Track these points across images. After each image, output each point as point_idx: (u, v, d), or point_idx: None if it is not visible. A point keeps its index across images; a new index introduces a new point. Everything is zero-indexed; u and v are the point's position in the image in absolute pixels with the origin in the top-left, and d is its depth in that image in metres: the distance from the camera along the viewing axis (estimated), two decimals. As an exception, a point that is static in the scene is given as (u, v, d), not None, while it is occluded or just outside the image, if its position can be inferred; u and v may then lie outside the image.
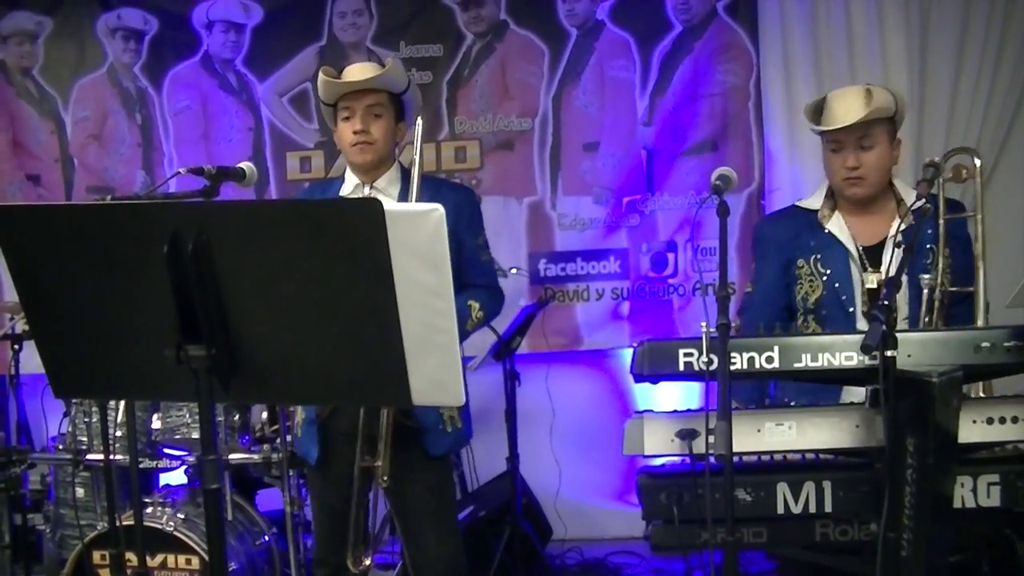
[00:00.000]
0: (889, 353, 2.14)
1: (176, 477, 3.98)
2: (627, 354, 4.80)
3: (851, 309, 2.88)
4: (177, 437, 3.70)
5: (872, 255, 2.90)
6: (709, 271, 4.75)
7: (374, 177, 3.04)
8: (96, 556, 3.50)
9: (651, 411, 2.48)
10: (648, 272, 5.11)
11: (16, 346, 3.86)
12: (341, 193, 3.06)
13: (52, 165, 5.24)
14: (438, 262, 1.72)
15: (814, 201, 3.03)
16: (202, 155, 5.13)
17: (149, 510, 3.55)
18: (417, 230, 1.71)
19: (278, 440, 3.55)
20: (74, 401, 3.78)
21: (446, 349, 1.78)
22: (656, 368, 2.39)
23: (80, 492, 3.79)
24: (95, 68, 5.21)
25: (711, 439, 2.26)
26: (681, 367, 2.37)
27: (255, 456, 3.65)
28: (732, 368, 2.31)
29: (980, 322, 2.71)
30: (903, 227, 2.68)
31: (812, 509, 2.38)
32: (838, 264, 2.91)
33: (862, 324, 2.85)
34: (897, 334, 2.17)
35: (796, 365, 2.35)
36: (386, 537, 4.01)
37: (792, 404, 2.69)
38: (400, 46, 5.10)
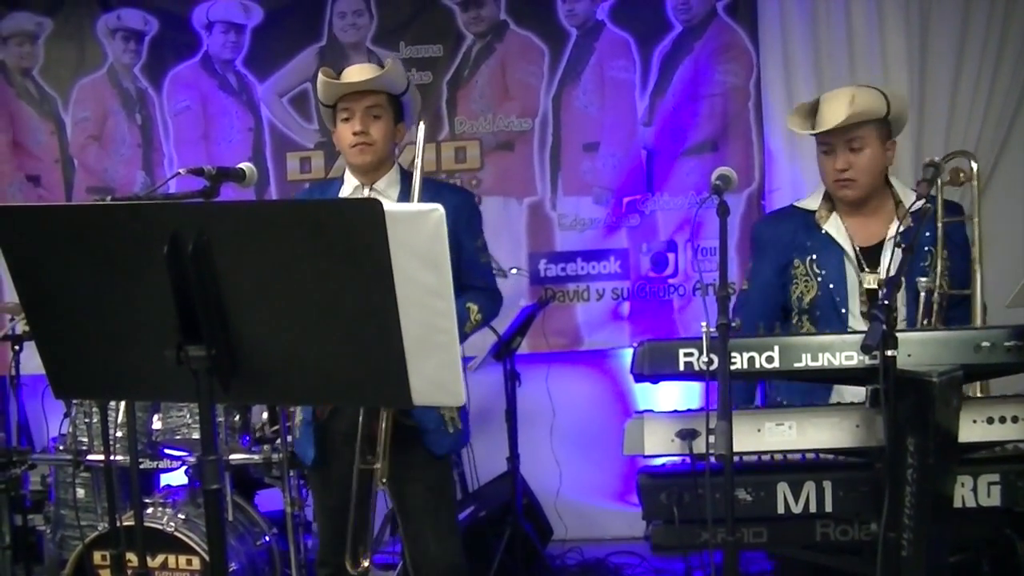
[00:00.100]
0: (889, 353, 2.14)
1: (176, 477, 3.98)
2: (627, 354, 4.80)
3: (843, 310, 2.88)
4: (177, 437, 3.70)
5: (870, 256, 2.90)
6: (709, 271, 4.75)
7: (373, 178, 3.04)
8: (97, 557, 3.50)
9: (651, 411, 2.48)
10: (648, 272, 5.11)
11: (16, 347, 3.86)
12: (340, 194, 3.06)
13: (52, 166, 5.24)
14: (438, 262, 1.72)
15: (812, 202, 3.03)
16: (202, 156, 5.14)
17: (150, 511, 3.55)
18: (417, 230, 1.71)
19: (278, 440, 3.55)
20: (74, 402, 3.78)
21: (446, 349, 1.78)
22: (656, 368, 2.39)
23: (81, 493, 3.79)
24: (95, 69, 5.21)
25: (711, 439, 2.26)
26: (681, 367, 2.37)
27: (255, 456, 3.65)
28: (732, 368, 2.31)
29: (977, 324, 2.71)
30: (902, 228, 2.68)
31: (812, 509, 2.38)
32: (834, 265, 2.91)
33: (854, 325, 2.85)
34: (897, 334, 2.17)
35: (796, 365, 2.35)
36: (386, 537, 4.02)
37: (783, 402, 2.70)
38: (400, 46, 5.10)
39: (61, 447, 3.86)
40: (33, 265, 1.86)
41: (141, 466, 3.67)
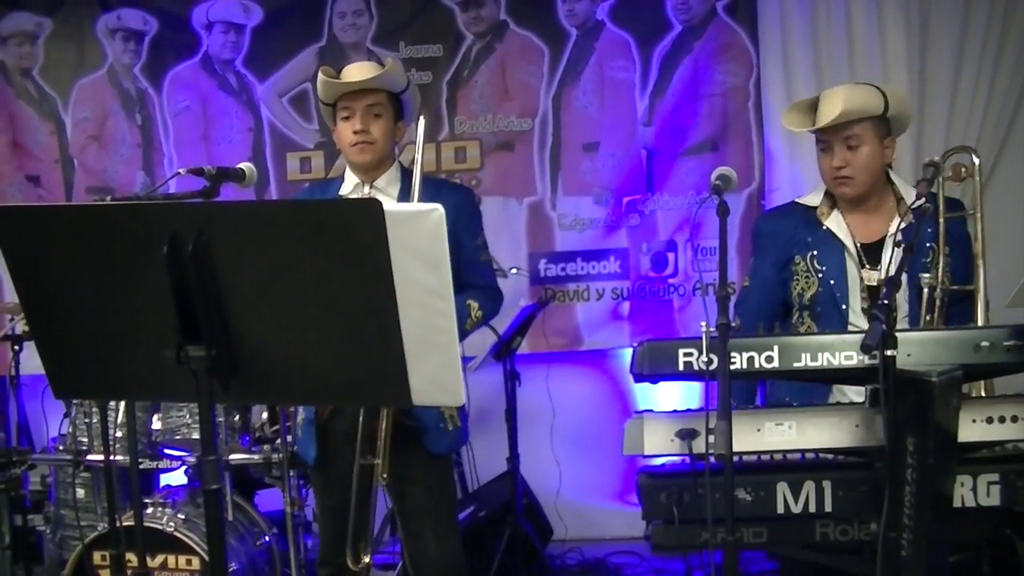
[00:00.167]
0: (889, 352, 2.14)
1: (176, 478, 3.98)
2: (627, 354, 4.80)
3: (844, 307, 2.88)
4: (177, 438, 3.70)
5: (871, 253, 2.90)
6: (709, 271, 4.75)
7: (374, 177, 3.04)
8: (96, 557, 3.50)
9: (651, 411, 2.48)
10: (648, 272, 5.11)
11: (16, 347, 3.86)
12: (341, 193, 3.06)
13: (52, 166, 5.25)
14: (438, 262, 1.72)
15: (813, 198, 3.03)
16: (202, 156, 5.14)
17: (149, 511, 3.55)
18: (417, 230, 1.71)
19: (278, 440, 3.55)
20: (74, 402, 3.78)
21: (446, 349, 1.78)
22: (656, 368, 2.39)
23: (80, 493, 3.79)
24: (95, 69, 5.21)
25: (711, 439, 2.26)
26: (681, 367, 2.37)
27: (255, 456, 3.65)
28: (732, 368, 2.31)
29: (980, 321, 2.71)
30: (903, 226, 2.68)
31: (812, 509, 2.38)
32: (835, 261, 2.92)
33: (855, 321, 2.85)
34: (897, 333, 2.17)
35: (796, 365, 2.35)
36: (386, 537, 4.02)
37: (786, 399, 2.70)
38: (400, 46, 5.10)
39: (61, 447, 3.86)
40: (33, 265, 1.86)
41: (141, 466, 3.68)
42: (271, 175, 5.18)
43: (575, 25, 5.08)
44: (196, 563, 3.46)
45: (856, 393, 2.53)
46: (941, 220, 2.79)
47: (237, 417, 3.73)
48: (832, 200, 2.98)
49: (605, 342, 5.17)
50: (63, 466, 3.82)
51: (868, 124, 2.85)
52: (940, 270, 2.76)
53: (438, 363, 1.78)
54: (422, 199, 2.80)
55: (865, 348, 2.17)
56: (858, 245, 2.91)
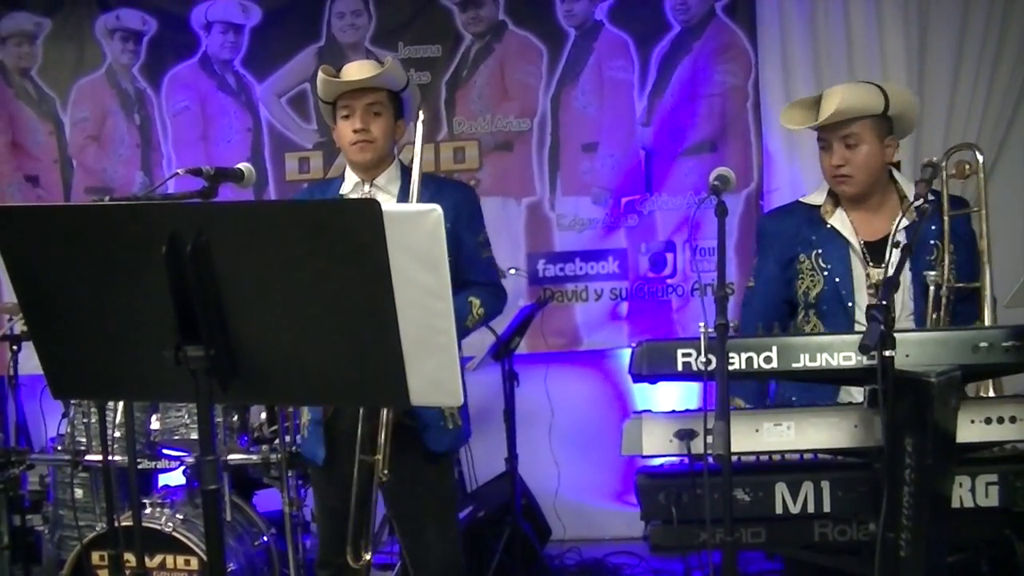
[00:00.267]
0: (887, 353, 2.14)
1: (175, 478, 3.97)
2: (626, 354, 4.79)
3: (850, 304, 2.88)
4: (176, 438, 3.70)
5: (875, 251, 2.89)
6: (708, 271, 4.73)
7: (374, 175, 3.04)
8: (95, 557, 3.50)
9: (650, 411, 2.48)
10: (647, 272, 5.11)
11: (15, 347, 3.86)
12: (341, 191, 3.06)
13: (51, 166, 5.25)
14: (436, 263, 1.72)
15: (817, 197, 3.03)
16: (201, 156, 5.14)
17: (148, 511, 3.54)
18: (415, 231, 1.71)
19: (277, 441, 3.55)
20: (73, 402, 3.78)
21: (444, 350, 1.78)
22: (654, 368, 2.39)
23: (79, 493, 3.79)
24: (94, 69, 5.21)
25: (709, 439, 2.26)
26: (679, 367, 2.37)
27: (254, 457, 3.64)
28: (730, 368, 2.31)
29: (987, 318, 2.71)
30: (906, 224, 2.68)
31: (811, 509, 2.38)
32: (839, 259, 2.91)
33: (861, 319, 2.85)
34: (895, 334, 2.17)
35: (794, 365, 2.35)
36: (385, 537, 4.02)
37: (794, 399, 2.69)
38: (399, 47, 5.10)
39: (59, 447, 3.86)
40: (31, 265, 1.86)
41: (139, 466, 3.67)
42: (270, 175, 5.18)
43: (574, 25, 5.09)
44: (194, 563, 3.46)
45: (863, 393, 2.53)
46: (946, 218, 2.79)
47: (236, 417, 3.73)
48: (835, 198, 2.98)
49: (604, 342, 5.17)
50: (61, 466, 3.82)
51: (867, 123, 2.85)
52: (946, 268, 2.76)
53: (437, 363, 1.78)
54: (422, 197, 2.80)
55: (863, 349, 2.17)
56: (862, 243, 2.91)
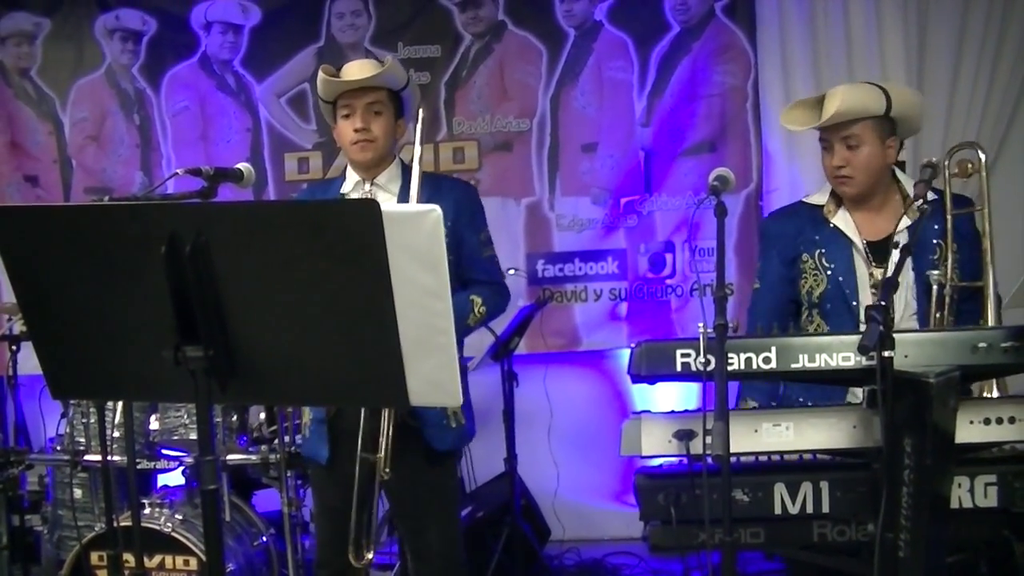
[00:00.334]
0: (886, 354, 2.14)
1: (174, 478, 3.97)
2: (625, 355, 4.79)
3: (854, 303, 2.87)
4: (175, 438, 3.70)
5: (878, 250, 2.89)
6: (707, 272, 4.72)
7: (374, 175, 3.03)
8: (94, 557, 3.50)
9: (649, 412, 2.48)
10: (646, 273, 5.11)
11: (14, 347, 3.87)
12: (342, 191, 3.06)
13: (50, 166, 5.25)
14: (436, 263, 1.73)
15: (820, 197, 3.03)
16: (200, 156, 5.14)
17: (147, 511, 3.54)
18: (414, 231, 1.71)
19: (276, 441, 3.55)
20: (72, 402, 3.78)
21: (444, 350, 1.78)
22: (653, 369, 2.39)
23: (78, 493, 3.79)
24: (93, 69, 5.21)
25: (708, 440, 2.26)
26: (678, 368, 2.37)
27: (253, 457, 3.64)
28: (729, 369, 2.32)
29: (991, 318, 2.71)
30: (909, 223, 2.68)
31: (810, 510, 2.38)
32: (842, 258, 2.91)
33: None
34: (894, 334, 2.17)
35: (793, 366, 2.35)
36: (384, 537, 4.02)
37: (800, 400, 2.69)
38: (398, 47, 5.10)
39: (58, 447, 3.86)
40: (31, 265, 1.86)
41: (138, 466, 3.67)
42: (269, 175, 5.18)
43: (573, 25, 5.09)
44: (193, 563, 3.46)
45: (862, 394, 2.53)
46: (949, 217, 2.79)
47: (235, 417, 3.74)
48: (838, 198, 2.98)
49: (603, 343, 5.17)
50: (61, 466, 3.82)
51: (868, 124, 2.84)
52: (949, 267, 2.76)
53: (436, 363, 1.78)
54: (423, 195, 2.80)
55: (862, 349, 2.17)
56: (865, 243, 2.91)
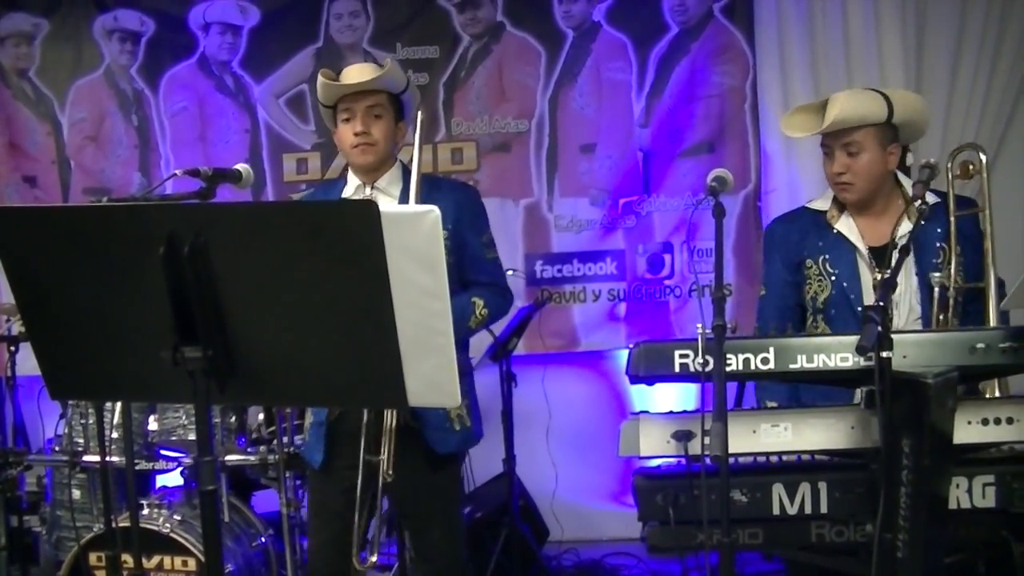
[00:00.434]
0: (884, 354, 2.14)
1: (172, 479, 3.97)
2: (623, 355, 4.78)
3: (858, 308, 2.87)
4: (173, 439, 3.70)
5: (881, 255, 2.88)
6: (705, 272, 4.76)
7: (375, 178, 3.03)
8: (92, 558, 3.50)
9: (647, 412, 2.49)
10: (644, 273, 5.11)
11: (12, 348, 3.86)
12: (344, 194, 3.05)
13: (49, 167, 5.24)
14: (434, 263, 1.73)
15: (823, 202, 3.03)
16: (199, 157, 5.14)
17: (145, 512, 3.54)
18: (413, 232, 1.71)
19: (275, 441, 3.54)
20: (70, 403, 3.78)
21: (442, 351, 1.78)
22: (652, 369, 2.39)
23: (76, 494, 3.79)
24: (92, 70, 5.21)
25: (707, 440, 2.26)
26: (677, 368, 2.37)
27: (251, 458, 3.64)
28: (728, 369, 2.32)
29: (993, 319, 2.71)
30: (910, 228, 2.68)
31: (808, 510, 2.38)
32: (846, 264, 2.91)
33: (871, 323, 2.84)
34: (892, 335, 2.17)
35: (791, 367, 2.36)
36: (383, 538, 4.01)
37: (815, 403, 2.69)
38: (397, 48, 5.10)
39: (57, 448, 3.86)
40: (29, 266, 1.86)
41: (137, 467, 3.67)
42: (267, 176, 5.18)
43: (572, 26, 5.09)
44: (192, 564, 3.46)
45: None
46: (952, 219, 2.79)
47: (233, 418, 3.73)
48: (841, 204, 2.98)
49: (601, 343, 5.17)
50: (59, 467, 3.82)
51: (869, 131, 2.83)
52: (952, 269, 2.76)
53: (434, 364, 1.78)
54: (423, 197, 2.80)
55: (860, 350, 2.17)
56: (868, 248, 2.91)
